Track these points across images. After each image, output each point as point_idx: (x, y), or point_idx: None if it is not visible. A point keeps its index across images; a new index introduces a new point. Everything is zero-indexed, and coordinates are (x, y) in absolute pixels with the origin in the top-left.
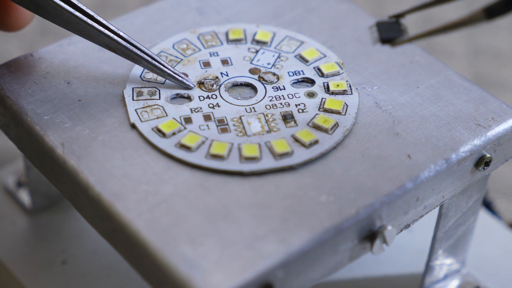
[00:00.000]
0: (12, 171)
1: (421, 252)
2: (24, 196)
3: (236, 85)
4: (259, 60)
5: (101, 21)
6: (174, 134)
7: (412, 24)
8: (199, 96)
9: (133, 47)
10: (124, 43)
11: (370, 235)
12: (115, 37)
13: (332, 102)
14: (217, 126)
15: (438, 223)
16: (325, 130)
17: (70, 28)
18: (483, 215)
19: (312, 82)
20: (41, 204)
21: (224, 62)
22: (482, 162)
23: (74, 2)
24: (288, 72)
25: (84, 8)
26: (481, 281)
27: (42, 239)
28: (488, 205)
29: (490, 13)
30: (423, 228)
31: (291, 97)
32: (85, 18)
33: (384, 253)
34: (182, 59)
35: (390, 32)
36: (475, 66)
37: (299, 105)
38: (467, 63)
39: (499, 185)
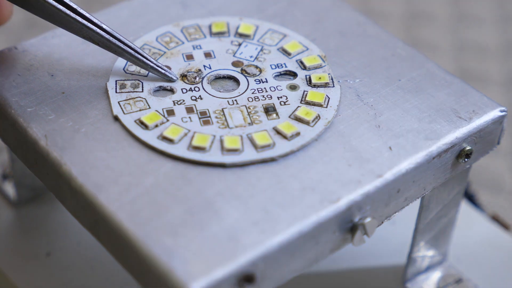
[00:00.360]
0: None
1: (403, 244)
2: (9, 188)
3: (218, 77)
4: (242, 53)
5: (84, 14)
6: (156, 126)
7: (399, 19)
8: (181, 89)
9: (116, 40)
10: (107, 36)
11: (351, 227)
12: (98, 30)
13: (314, 95)
14: (199, 118)
15: (419, 215)
16: (307, 122)
17: (53, 21)
18: (466, 208)
19: (294, 75)
20: (26, 196)
21: (207, 55)
22: (463, 154)
23: None
24: (270, 65)
25: (67, 1)
26: (463, 273)
27: (26, 231)
28: (471, 197)
29: None
30: (405, 219)
31: (273, 89)
32: (68, 12)
33: (366, 245)
34: (165, 52)
35: None
36: (459, 61)
37: (281, 97)
38: (452, 58)
39: (482, 177)
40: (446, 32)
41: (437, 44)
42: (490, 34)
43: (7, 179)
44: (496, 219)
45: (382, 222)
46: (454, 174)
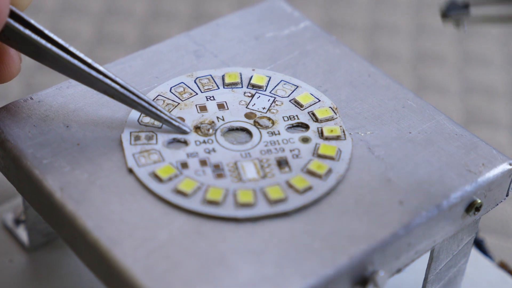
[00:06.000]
0: (11, 208)
1: None
2: (23, 233)
3: (232, 129)
4: (254, 104)
5: (99, 68)
6: (170, 179)
7: (406, 60)
8: (195, 141)
9: (130, 94)
10: (122, 89)
11: (362, 281)
12: (113, 84)
13: (326, 148)
14: (212, 171)
15: (429, 266)
16: (319, 176)
17: (68, 74)
18: (474, 254)
19: (306, 127)
20: (39, 242)
21: (220, 106)
22: (472, 207)
23: (72, 50)
24: (283, 117)
25: (82, 56)
26: None
27: (39, 276)
28: (478, 243)
29: None
30: (415, 267)
31: (286, 142)
32: (82, 66)
33: None
34: (179, 103)
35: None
36: (466, 102)
37: (293, 150)
38: (459, 99)
39: (489, 222)
40: (456, 73)
41: (445, 86)
42: (498, 75)
43: (20, 224)
44: (503, 266)
45: (393, 275)
46: (463, 226)
